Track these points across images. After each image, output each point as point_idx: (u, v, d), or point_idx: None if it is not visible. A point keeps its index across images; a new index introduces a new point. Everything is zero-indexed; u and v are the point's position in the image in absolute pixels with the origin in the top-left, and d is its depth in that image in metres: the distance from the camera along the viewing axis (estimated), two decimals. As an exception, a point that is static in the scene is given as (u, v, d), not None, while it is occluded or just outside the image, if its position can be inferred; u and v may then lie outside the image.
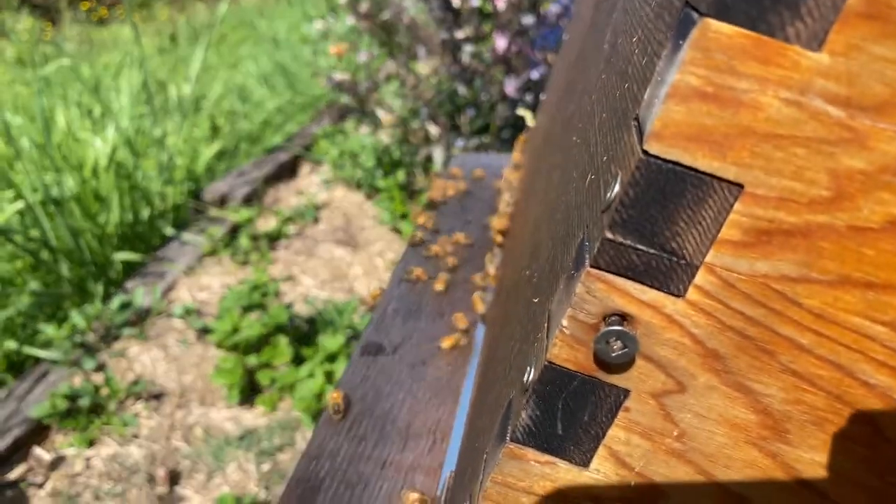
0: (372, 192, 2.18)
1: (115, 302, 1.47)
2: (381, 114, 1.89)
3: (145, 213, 1.79)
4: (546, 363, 0.24)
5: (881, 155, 0.19)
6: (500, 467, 0.26)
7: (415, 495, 0.40)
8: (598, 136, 0.29)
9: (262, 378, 1.29)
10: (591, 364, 0.23)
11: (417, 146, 1.99)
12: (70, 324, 1.39)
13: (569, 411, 0.24)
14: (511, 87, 1.54)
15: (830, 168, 0.19)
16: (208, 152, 2.14)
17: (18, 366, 1.41)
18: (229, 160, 2.32)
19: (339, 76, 1.80)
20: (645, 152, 0.20)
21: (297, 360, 1.30)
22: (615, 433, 0.24)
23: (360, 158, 2.22)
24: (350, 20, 1.88)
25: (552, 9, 1.49)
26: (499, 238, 0.63)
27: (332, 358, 1.29)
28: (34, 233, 1.50)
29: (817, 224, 0.20)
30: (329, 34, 3.08)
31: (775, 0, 0.17)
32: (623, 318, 0.22)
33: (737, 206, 0.20)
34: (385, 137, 2.20)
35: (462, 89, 1.78)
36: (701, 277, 0.21)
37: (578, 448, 0.25)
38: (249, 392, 1.30)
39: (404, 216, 1.99)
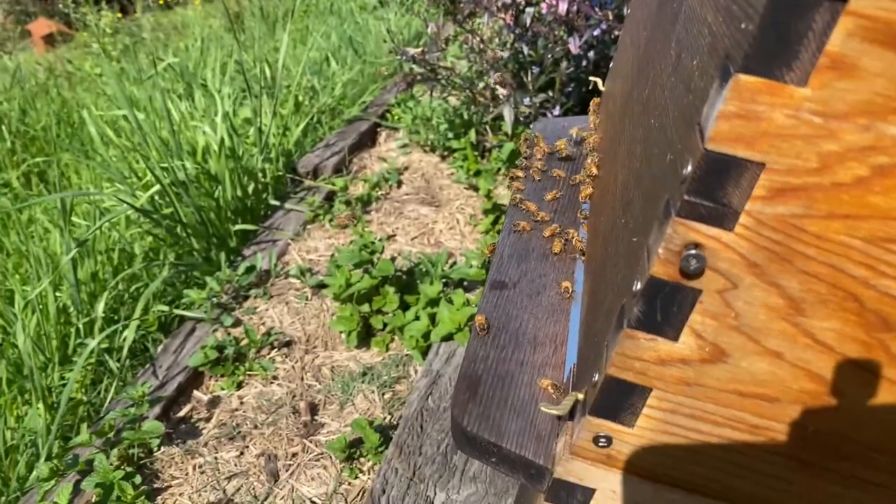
0: (446, 153, 2.33)
1: (241, 267, 1.70)
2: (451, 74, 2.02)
3: (251, 188, 2.00)
4: (649, 276, 0.39)
5: (845, 142, 0.32)
6: (621, 345, 0.42)
7: (547, 381, 0.56)
8: (673, 128, 0.43)
9: (375, 323, 1.49)
10: (678, 275, 0.38)
11: (486, 106, 2.11)
12: (208, 288, 1.63)
13: (664, 305, 0.39)
14: (574, 45, 1.64)
15: (817, 151, 0.33)
16: (297, 128, 2.33)
17: (168, 326, 1.67)
18: (313, 133, 2.51)
19: (412, 50, 1.94)
20: (705, 148, 0.34)
21: (403, 307, 1.49)
22: (694, 318, 0.39)
23: (432, 122, 2.37)
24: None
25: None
26: (594, 170, 0.77)
27: (433, 303, 1.47)
28: (168, 212, 1.74)
29: (812, 183, 0.34)
30: (387, 1, 3.18)
31: (779, 63, 0.31)
32: (696, 245, 0.37)
33: (762, 175, 0.34)
34: (454, 100, 2.33)
35: (526, 49, 1.89)
36: (743, 218, 0.35)
37: (672, 328, 0.40)
38: (365, 336, 1.51)
39: (478, 174, 2.14)
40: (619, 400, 0.44)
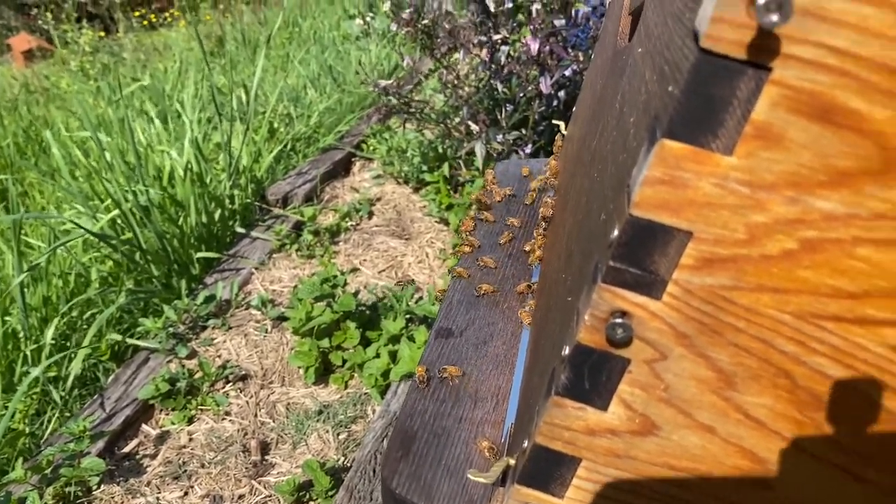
0: (419, 185, 2.32)
1: (200, 296, 1.65)
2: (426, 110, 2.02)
3: (217, 214, 1.97)
4: (576, 342, 0.37)
5: (772, 214, 0.31)
6: (549, 413, 0.40)
7: (486, 443, 0.54)
8: (609, 186, 0.41)
9: (335, 359, 1.45)
10: (605, 343, 0.36)
11: (460, 140, 2.11)
12: (164, 317, 1.58)
13: (592, 373, 0.37)
14: (545, 85, 1.65)
15: (745, 222, 0.31)
16: (269, 155, 2.31)
17: (121, 355, 1.61)
18: (286, 160, 2.49)
19: (384, 82, 1.94)
20: (631, 214, 0.32)
21: (364, 343, 1.46)
22: (623, 387, 0.37)
23: (406, 154, 2.36)
24: (392, 26, 2.01)
25: (581, 10, 1.59)
26: (541, 241, 0.76)
27: (394, 339, 1.44)
28: (127, 237, 1.69)
29: (740, 254, 0.32)
30: (369, 32, 3.20)
31: (704, 130, 0.30)
32: (624, 313, 0.35)
33: (690, 244, 0.32)
34: (429, 133, 2.33)
35: (500, 87, 1.89)
36: (671, 287, 0.34)
37: (600, 397, 0.38)
38: (323, 372, 1.47)
39: (450, 207, 2.12)
40: (548, 469, 0.42)
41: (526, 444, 0.43)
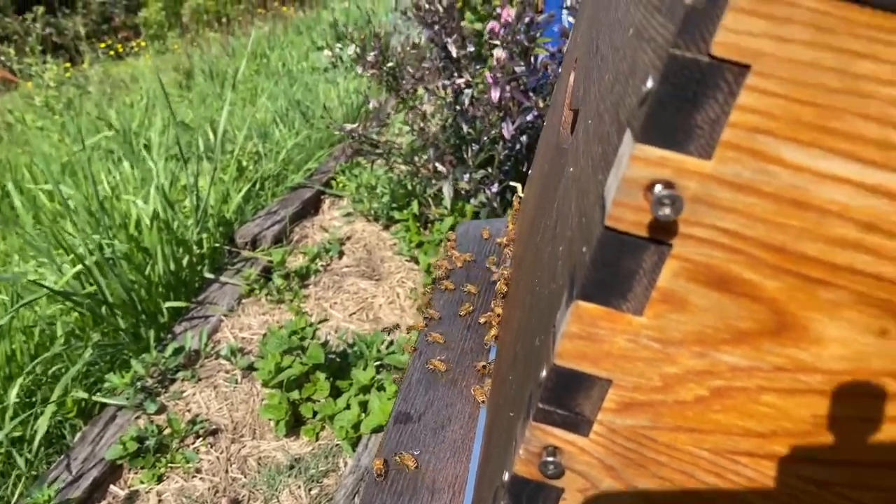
0: (389, 222, 2.34)
1: (169, 349, 1.64)
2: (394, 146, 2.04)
3: (185, 260, 1.96)
4: (513, 474, 0.38)
5: (683, 366, 0.33)
6: (491, 533, 0.41)
7: None
8: (545, 308, 0.43)
9: (305, 411, 1.45)
10: (539, 475, 0.38)
11: (428, 178, 2.14)
12: (132, 371, 1.57)
13: (530, 501, 0.39)
14: (507, 130, 1.68)
15: (659, 372, 0.34)
16: (237, 195, 2.31)
17: (88, 411, 1.59)
18: (255, 200, 2.49)
19: (350, 126, 1.96)
20: (554, 363, 0.34)
21: (335, 393, 1.46)
22: (559, 513, 0.39)
23: (376, 191, 2.38)
24: (358, 69, 2.03)
25: (541, 57, 1.63)
26: (498, 310, 0.78)
27: (365, 389, 1.44)
28: (91, 289, 1.68)
29: (657, 400, 0.34)
30: (337, 63, 3.23)
31: (615, 294, 0.32)
32: (555, 448, 0.37)
33: (610, 390, 0.34)
34: (398, 171, 2.35)
35: (465, 127, 1.93)
36: (596, 426, 0.36)
37: (538, 523, 0.40)
38: (294, 424, 1.46)
39: (420, 245, 2.14)
40: (494, 585, 0.43)
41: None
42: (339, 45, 3.10)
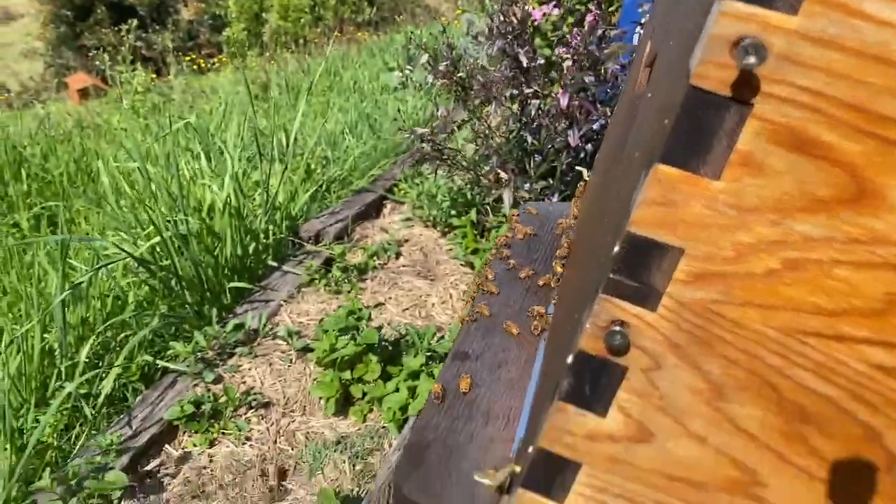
0: (447, 229, 2.38)
1: (230, 325, 1.71)
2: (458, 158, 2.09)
3: (252, 247, 2.04)
4: (578, 350, 0.40)
5: (757, 234, 0.34)
6: (551, 418, 0.43)
7: (505, 471, 0.56)
8: (618, 216, 0.45)
9: (355, 391, 1.48)
10: (604, 350, 0.39)
11: (489, 188, 2.17)
12: (194, 342, 1.64)
13: (593, 380, 0.41)
14: (573, 138, 1.71)
15: (732, 241, 0.35)
16: (304, 195, 2.40)
17: (150, 377, 1.66)
18: (321, 200, 2.58)
19: (421, 130, 2.02)
20: (629, 231, 0.36)
21: (385, 377, 1.49)
22: (621, 395, 0.40)
23: (436, 199, 2.43)
24: (429, 78, 2.10)
25: (611, 68, 1.65)
26: (558, 269, 0.79)
27: (414, 375, 1.46)
28: (165, 264, 1.77)
29: (728, 271, 0.36)
30: (407, 84, 3.33)
31: (694, 156, 0.34)
32: (621, 322, 0.38)
33: (682, 260, 0.36)
34: (459, 180, 2.40)
35: (530, 138, 1.96)
36: (665, 300, 0.37)
37: (600, 403, 0.41)
38: (343, 404, 1.49)
39: (475, 251, 2.17)
40: (550, 474, 0.45)
41: (531, 449, 0.46)
42: (409, 66, 3.20)
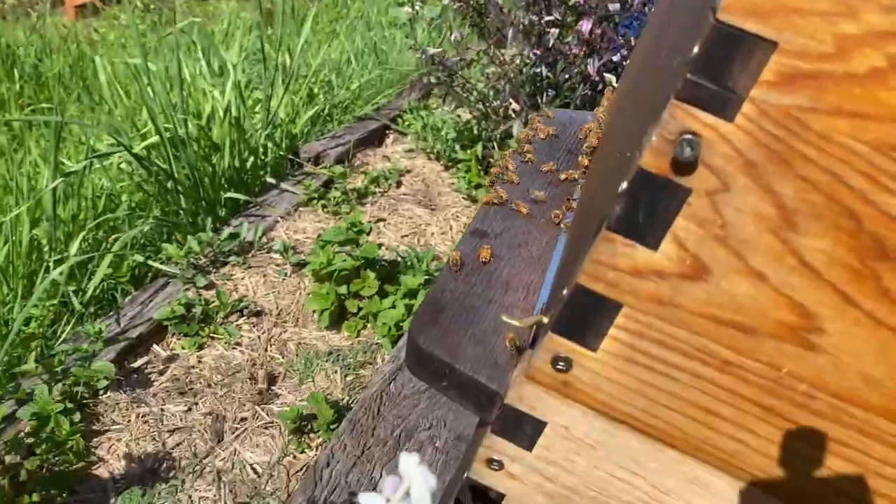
0: (451, 163, 2.32)
1: (224, 233, 1.66)
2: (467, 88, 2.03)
3: (250, 162, 1.98)
4: (637, 168, 0.36)
5: (866, 24, 0.30)
6: (596, 249, 0.39)
7: (511, 334, 0.52)
8: (685, 35, 0.41)
9: (350, 306, 1.45)
10: (668, 167, 0.35)
11: (497, 122, 2.11)
12: (187, 246, 1.59)
13: (649, 204, 0.37)
14: (593, 67, 1.65)
15: (834, 32, 0.31)
16: (305, 115, 2.33)
17: (140, 279, 1.63)
18: (322, 125, 2.51)
19: (433, 50, 1.95)
20: (716, 19, 0.32)
21: (382, 295, 1.46)
22: (679, 222, 0.37)
23: (441, 132, 2.37)
24: (438, 7, 2.02)
25: (638, -3, 1.59)
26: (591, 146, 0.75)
27: (412, 294, 1.43)
28: (163, 165, 1.71)
29: (824, 71, 0.32)
30: (417, 19, 3.22)
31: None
32: (693, 134, 0.34)
33: (773, 57, 0.32)
34: (466, 114, 2.33)
35: (545, 71, 1.90)
36: (745, 107, 0.33)
37: (653, 234, 0.37)
38: (338, 318, 1.46)
39: (479, 186, 2.12)
40: (586, 316, 0.41)
41: (565, 292, 0.42)
42: (419, 1, 3.09)
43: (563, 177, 0.79)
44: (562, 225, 0.68)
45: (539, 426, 0.46)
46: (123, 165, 1.86)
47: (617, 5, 1.62)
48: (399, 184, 2.18)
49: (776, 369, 0.39)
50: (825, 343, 0.37)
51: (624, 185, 0.38)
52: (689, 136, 0.34)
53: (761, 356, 0.39)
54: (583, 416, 0.45)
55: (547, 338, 0.43)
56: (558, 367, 0.43)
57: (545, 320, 0.46)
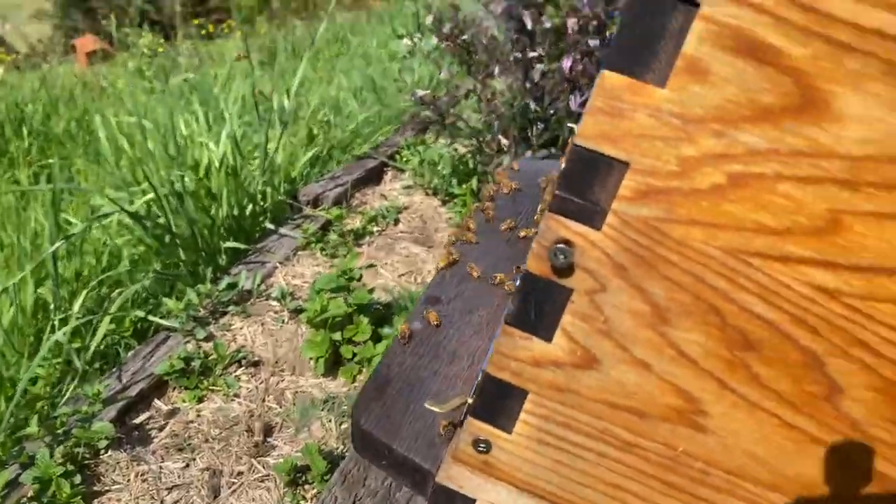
0: (447, 198, 2.36)
1: (223, 283, 1.71)
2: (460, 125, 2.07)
3: (248, 209, 2.04)
4: (524, 272, 0.39)
5: (701, 147, 0.33)
6: (499, 342, 0.42)
7: (444, 422, 0.55)
8: (574, 138, 0.44)
9: (345, 352, 1.48)
10: (550, 271, 0.38)
11: (490, 156, 2.15)
12: (186, 299, 1.64)
13: (538, 303, 0.40)
14: (574, 102, 1.68)
15: (677, 154, 0.34)
16: (304, 158, 2.39)
17: (142, 333, 1.68)
18: (322, 165, 2.57)
19: (422, 92, 2.00)
20: (575, 144, 0.35)
21: (376, 339, 1.49)
22: (566, 318, 0.40)
23: (438, 167, 2.41)
24: (434, 40, 2.07)
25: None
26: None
27: (403, 338, 1.46)
28: (160, 221, 1.77)
29: (672, 187, 0.35)
30: (416, 51, 3.29)
31: (639, 61, 0.33)
32: (566, 242, 0.37)
33: (627, 175, 0.35)
34: (461, 148, 2.38)
35: (533, 105, 1.93)
36: (610, 217, 0.36)
37: (544, 328, 0.40)
38: (333, 364, 1.50)
39: (476, 220, 2.16)
40: (498, 402, 0.44)
41: (480, 377, 0.45)
42: (418, 34, 3.16)
43: (522, 234, 0.82)
44: (506, 287, 0.70)
45: (468, 503, 0.49)
46: (124, 219, 1.93)
47: (597, 41, 1.66)
48: (397, 221, 2.22)
49: (672, 449, 0.41)
50: (711, 425, 0.40)
51: (517, 283, 0.41)
52: (561, 246, 0.37)
53: (657, 437, 0.41)
54: (507, 494, 0.47)
55: (468, 421, 0.46)
56: (479, 448, 0.46)
57: (470, 401, 0.48)
